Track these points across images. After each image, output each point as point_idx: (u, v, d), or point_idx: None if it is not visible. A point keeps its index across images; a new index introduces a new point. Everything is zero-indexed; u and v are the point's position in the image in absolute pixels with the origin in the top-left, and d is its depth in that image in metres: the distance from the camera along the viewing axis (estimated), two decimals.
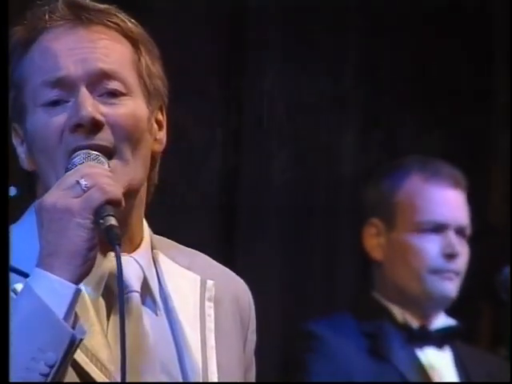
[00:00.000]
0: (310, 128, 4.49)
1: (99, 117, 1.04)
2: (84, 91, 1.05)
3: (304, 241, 7.79)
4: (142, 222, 1.15)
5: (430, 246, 1.81)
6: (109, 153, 1.05)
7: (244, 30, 4.51)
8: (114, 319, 1.03)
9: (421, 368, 1.82)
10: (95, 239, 0.96)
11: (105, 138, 1.05)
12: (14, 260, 1.05)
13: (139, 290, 1.09)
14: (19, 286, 1.02)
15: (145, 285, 1.10)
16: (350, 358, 1.80)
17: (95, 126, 1.04)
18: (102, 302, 1.01)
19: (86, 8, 1.08)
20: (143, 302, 1.09)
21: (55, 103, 1.06)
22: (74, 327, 0.95)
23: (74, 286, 0.95)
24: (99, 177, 0.97)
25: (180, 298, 1.14)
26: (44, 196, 0.99)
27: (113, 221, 0.96)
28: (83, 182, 0.96)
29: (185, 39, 3.76)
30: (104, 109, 1.05)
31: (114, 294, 1.04)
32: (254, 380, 1.25)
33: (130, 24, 1.10)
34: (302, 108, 4.31)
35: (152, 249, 1.16)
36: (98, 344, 0.99)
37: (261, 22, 4.63)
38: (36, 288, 0.95)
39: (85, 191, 0.95)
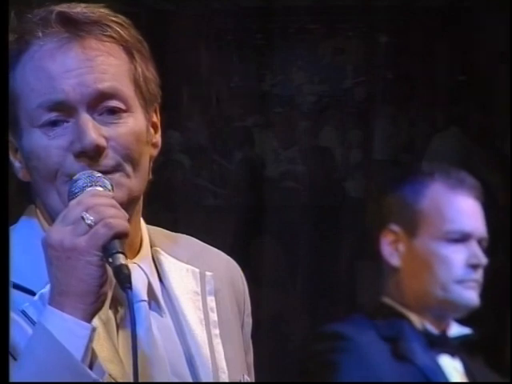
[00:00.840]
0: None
1: (103, 142, 1.04)
2: (85, 116, 1.05)
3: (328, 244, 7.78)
4: (140, 223, 1.15)
5: (456, 256, 1.83)
6: (111, 172, 1.05)
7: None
8: (124, 332, 1.03)
9: (443, 374, 1.82)
10: (105, 275, 0.96)
11: (107, 162, 1.06)
12: (15, 274, 1.05)
13: (146, 299, 1.10)
14: (30, 309, 1.01)
15: (150, 290, 1.11)
16: (378, 359, 1.81)
17: (98, 152, 1.04)
18: (110, 315, 1.01)
19: (79, 22, 1.07)
20: (150, 307, 1.10)
21: (53, 123, 1.06)
22: (91, 366, 0.95)
23: (89, 326, 0.96)
24: (104, 209, 0.97)
25: (182, 294, 1.15)
26: (49, 231, 0.99)
27: (122, 259, 0.96)
28: (88, 216, 0.95)
29: None
30: (105, 130, 1.05)
31: (123, 305, 1.05)
32: (252, 363, 1.27)
33: (123, 32, 1.09)
34: None
35: (151, 246, 1.17)
36: (109, 359, 0.99)
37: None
38: (52, 329, 0.96)
39: (91, 227, 0.95)
